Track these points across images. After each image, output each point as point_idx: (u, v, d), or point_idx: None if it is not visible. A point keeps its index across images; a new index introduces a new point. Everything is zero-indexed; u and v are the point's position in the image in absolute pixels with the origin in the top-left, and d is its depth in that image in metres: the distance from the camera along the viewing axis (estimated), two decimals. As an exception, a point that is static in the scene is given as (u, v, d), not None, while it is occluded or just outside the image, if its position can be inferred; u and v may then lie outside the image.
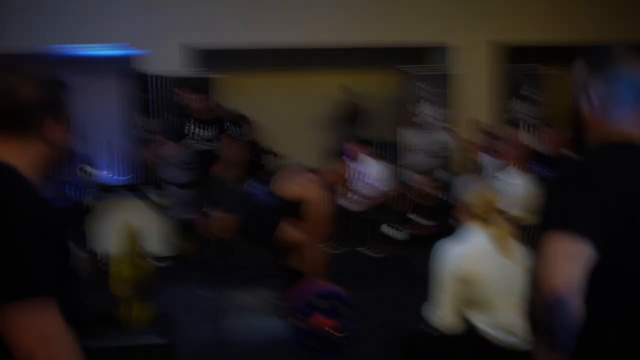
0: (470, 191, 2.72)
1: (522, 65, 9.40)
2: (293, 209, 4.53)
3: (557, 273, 1.32)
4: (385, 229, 6.79)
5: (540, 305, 1.37)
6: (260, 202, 4.41)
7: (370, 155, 7.26)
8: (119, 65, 8.16)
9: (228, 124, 7.93)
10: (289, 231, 4.37)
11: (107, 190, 6.13)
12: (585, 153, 1.58)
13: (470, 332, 2.64)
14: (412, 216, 6.89)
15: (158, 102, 8.31)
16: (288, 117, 10.95)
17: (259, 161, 9.65)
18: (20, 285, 1.21)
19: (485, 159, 5.64)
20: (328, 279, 4.48)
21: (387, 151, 10.21)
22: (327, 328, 3.86)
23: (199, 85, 7.59)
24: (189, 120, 6.31)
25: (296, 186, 4.38)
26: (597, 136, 1.55)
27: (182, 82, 8.15)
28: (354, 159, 6.74)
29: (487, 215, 2.67)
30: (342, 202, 6.66)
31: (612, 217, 1.38)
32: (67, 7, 8.28)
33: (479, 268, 2.57)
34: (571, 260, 1.33)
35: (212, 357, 4.03)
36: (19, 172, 1.41)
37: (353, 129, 10.02)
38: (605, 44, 1.60)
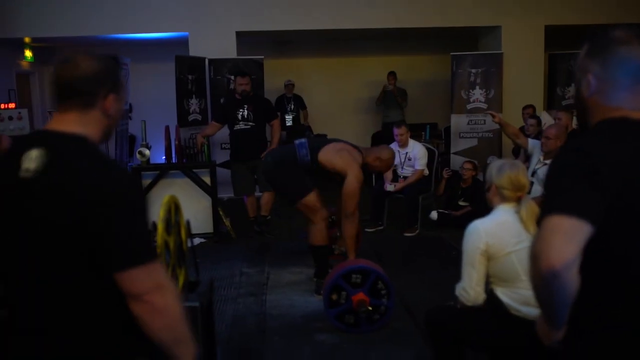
0: (501, 174, 2.75)
1: (578, 50, 9.13)
2: (325, 178, 4.58)
3: (552, 250, 1.35)
4: (430, 212, 6.77)
5: (537, 280, 1.41)
6: (300, 157, 4.44)
7: (416, 139, 7.24)
8: (172, 49, 8.36)
9: (276, 108, 8.04)
10: (313, 200, 4.42)
11: (157, 169, 6.31)
12: (583, 135, 1.59)
13: (495, 306, 2.68)
14: (459, 200, 6.84)
15: (209, 84, 8.47)
16: (336, 101, 11.03)
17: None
18: (142, 252, 1.47)
19: (534, 144, 5.54)
20: (358, 254, 4.53)
21: (437, 136, 10.16)
22: (364, 304, 3.92)
23: (248, 68, 7.72)
24: (238, 102, 6.41)
25: (340, 160, 4.41)
26: (596, 119, 1.55)
27: (232, 65, 8.32)
28: (401, 143, 6.75)
29: (517, 196, 2.72)
30: (389, 185, 6.69)
31: (610, 195, 1.39)
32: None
33: (504, 244, 2.62)
34: (567, 237, 1.36)
35: (251, 329, 4.14)
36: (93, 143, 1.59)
37: (401, 113, 9.96)
38: (606, 26, 1.59)
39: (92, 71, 1.56)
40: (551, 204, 1.42)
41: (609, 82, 1.52)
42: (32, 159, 1.47)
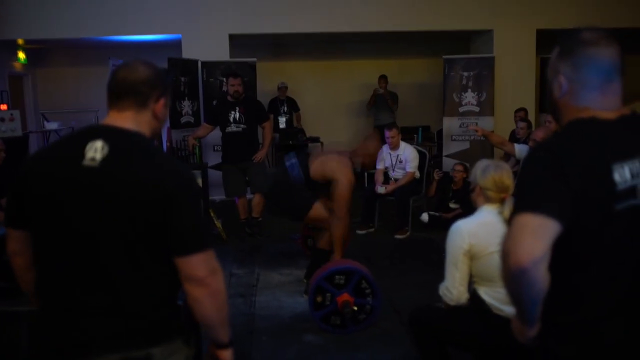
0: (485, 175, 2.78)
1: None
2: (324, 189, 4.64)
3: (521, 247, 1.38)
4: (421, 214, 6.80)
5: (507, 277, 1.44)
6: (295, 178, 4.50)
7: (408, 142, 7.27)
8: (165, 51, 8.38)
9: (267, 110, 8.05)
10: (320, 210, 4.46)
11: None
12: (552, 135, 1.63)
13: (478, 306, 2.70)
14: (450, 203, 6.87)
15: (201, 86, 8.49)
16: (329, 104, 11.05)
17: (298, 146, 9.79)
18: (204, 239, 1.62)
19: (522, 149, 5.58)
20: (348, 256, 4.56)
21: (429, 139, 10.20)
22: (349, 305, 3.94)
23: (241, 71, 7.74)
24: (230, 104, 6.43)
25: (328, 168, 4.47)
26: (567, 119, 1.59)
27: (224, 68, 8.34)
28: (392, 146, 6.77)
29: (500, 198, 2.74)
30: (380, 188, 6.71)
31: (575, 194, 1.42)
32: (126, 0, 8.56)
33: (486, 244, 2.65)
34: (535, 235, 1.39)
35: (240, 329, 4.15)
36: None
37: (392, 116, 10.00)
38: (574, 28, 1.62)
39: (148, 75, 1.71)
40: (520, 202, 1.45)
41: (579, 82, 1.55)
42: (97, 150, 1.58)
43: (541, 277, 1.39)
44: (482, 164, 2.89)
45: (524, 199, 1.45)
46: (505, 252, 1.41)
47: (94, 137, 1.61)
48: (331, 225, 4.44)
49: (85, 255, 1.58)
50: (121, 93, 1.69)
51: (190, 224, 1.59)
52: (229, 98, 6.47)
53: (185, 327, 1.72)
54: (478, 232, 2.68)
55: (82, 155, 1.58)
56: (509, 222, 1.46)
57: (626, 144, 1.50)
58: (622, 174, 1.46)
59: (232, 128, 6.40)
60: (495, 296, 2.68)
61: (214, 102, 7.83)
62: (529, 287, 1.40)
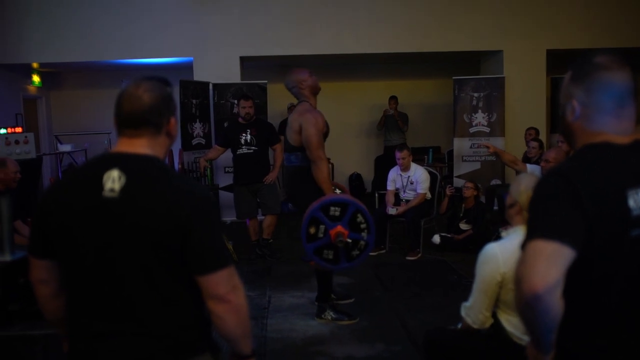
0: (520, 190, 2.59)
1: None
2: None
3: (535, 274, 1.37)
4: (432, 235, 6.78)
5: (521, 304, 1.43)
6: (298, 162, 4.41)
7: (418, 163, 7.27)
8: (176, 73, 8.47)
9: (280, 130, 8.08)
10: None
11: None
12: (566, 159, 1.61)
13: (497, 331, 2.65)
14: (461, 223, 6.84)
15: (212, 108, 8.55)
16: (339, 124, 11.05)
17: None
18: (224, 257, 1.65)
19: (533, 169, 5.55)
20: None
21: (440, 160, 10.19)
22: (342, 235, 3.86)
23: (252, 92, 7.79)
24: (241, 126, 6.47)
25: (293, 127, 4.36)
26: (580, 143, 1.58)
27: (235, 90, 8.41)
28: (403, 167, 6.77)
29: None
30: (391, 209, 6.70)
31: (590, 220, 1.41)
32: (137, 23, 8.66)
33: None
34: (550, 261, 1.38)
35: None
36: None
37: (402, 137, 10.01)
38: (586, 51, 1.61)
39: (157, 102, 1.69)
40: (534, 228, 1.44)
41: (592, 107, 1.54)
42: (115, 180, 1.60)
43: (556, 303, 1.38)
44: (527, 179, 2.67)
45: (538, 224, 1.43)
46: (519, 278, 1.40)
47: (110, 166, 1.62)
48: (313, 171, 4.26)
49: (108, 283, 1.61)
50: (131, 124, 1.68)
51: (209, 244, 1.61)
52: (240, 120, 6.51)
53: (214, 341, 1.74)
54: (513, 260, 2.38)
55: (101, 185, 1.60)
56: (522, 247, 1.45)
57: None
58: (637, 200, 1.45)
59: (244, 150, 6.43)
60: (517, 325, 2.59)
61: (225, 124, 7.88)
62: (544, 313, 1.39)
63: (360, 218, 3.91)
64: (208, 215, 1.62)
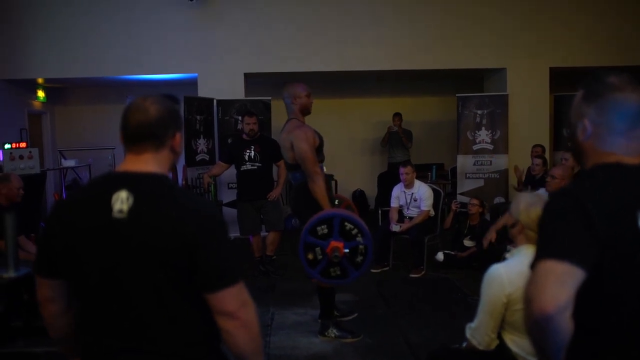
0: (530, 211, 2.54)
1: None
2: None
3: (545, 294, 1.36)
4: (436, 253, 6.75)
5: (530, 324, 1.42)
6: (296, 181, 4.44)
7: (422, 180, 7.26)
8: (181, 89, 8.51)
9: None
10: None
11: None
12: (577, 179, 1.61)
13: (502, 352, 2.63)
14: (465, 240, 6.82)
15: (216, 124, 8.58)
16: (342, 141, 11.10)
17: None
18: (233, 274, 1.62)
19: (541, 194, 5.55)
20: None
21: (443, 177, 10.18)
22: (339, 250, 3.84)
23: (255, 109, 7.82)
24: (245, 143, 6.48)
25: (284, 145, 4.45)
26: (590, 163, 1.58)
27: (239, 106, 8.44)
28: (406, 183, 6.77)
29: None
30: (394, 226, 6.69)
31: (601, 241, 1.41)
32: (142, 39, 8.73)
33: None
34: (560, 282, 1.37)
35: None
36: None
37: (406, 154, 10.01)
38: (599, 71, 1.62)
39: (162, 115, 1.69)
40: (544, 248, 1.43)
41: (603, 127, 1.55)
42: (123, 201, 1.60)
43: (565, 324, 1.37)
44: (527, 198, 2.65)
45: (549, 245, 1.43)
46: (529, 299, 1.39)
47: (118, 187, 1.62)
48: (310, 188, 4.24)
49: (117, 302, 1.61)
50: (137, 138, 1.69)
51: (216, 262, 1.60)
52: (244, 137, 6.53)
53: (224, 357, 1.73)
54: (518, 281, 2.44)
55: (110, 207, 1.60)
56: (531, 267, 1.44)
57: None
58: None
59: (248, 166, 6.43)
60: (523, 346, 2.56)
61: (229, 140, 7.89)
62: (554, 334, 1.38)
63: (348, 225, 3.90)
64: (214, 233, 1.61)
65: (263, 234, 6.64)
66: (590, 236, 1.40)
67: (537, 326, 1.39)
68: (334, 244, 3.85)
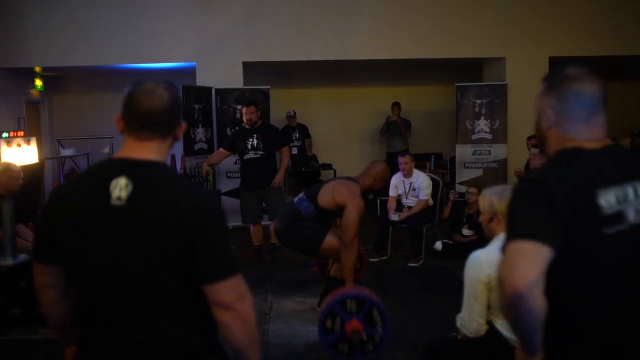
0: (505, 200, 2.64)
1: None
2: (334, 216, 4.67)
3: (516, 273, 1.42)
4: (434, 242, 6.76)
5: (505, 304, 1.47)
6: (305, 211, 4.54)
7: (421, 169, 7.26)
8: (179, 78, 8.48)
9: (285, 135, 8.09)
10: (332, 242, 4.48)
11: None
12: (541, 165, 1.70)
13: (495, 338, 2.66)
14: (463, 229, 6.83)
15: (215, 113, 8.55)
16: (341, 131, 11.10)
17: (312, 172, 9.82)
18: (231, 266, 1.61)
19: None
20: (362, 283, 4.53)
21: (442, 166, 10.19)
22: (358, 333, 3.88)
23: (254, 98, 7.80)
24: (247, 132, 6.48)
25: (339, 196, 4.51)
26: (554, 149, 1.67)
27: (237, 95, 8.42)
28: (405, 172, 6.77)
29: None
30: (393, 215, 6.69)
31: (565, 219, 1.47)
32: (140, 27, 8.69)
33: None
34: (529, 260, 1.43)
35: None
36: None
37: (405, 143, 10.01)
38: (560, 64, 1.72)
39: (169, 103, 1.65)
40: (512, 230, 1.50)
41: (565, 115, 1.64)
42: (122, 188, 1.57)
43: (538, 301, 1.41)
44: (495, 190, 2.78)
45: (517, 226, 1.49)
46: (501, 279, 1.45)
47: (117, 173, 1.59)
48: (341, 254, 4.43)
49: (115, 290, 1.59)
50: (146, 125, 1.64)
51: (215, 253, 1.59)
52: (246, 126, 6.53)
53: (222, 348, 1.72)
54: (497, 262, 2.57)
55: (108, 194, 1.57)
56: (502, 250, 1.49)
57: (611, 171, 1.57)
58: (608, 199, 1.52)
59: (251, 155, 6.44)
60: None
61: (229, 130, 7.88)
62: (527, 312, 1.42)
63: (375, 313, 3.95)
64: (213, 225, 1.60)
65: (264, 222, 6.65)
66: (554, 215, 1.46)
67: (510, 305, 1.43)
68: (357, 324, 3.89)
